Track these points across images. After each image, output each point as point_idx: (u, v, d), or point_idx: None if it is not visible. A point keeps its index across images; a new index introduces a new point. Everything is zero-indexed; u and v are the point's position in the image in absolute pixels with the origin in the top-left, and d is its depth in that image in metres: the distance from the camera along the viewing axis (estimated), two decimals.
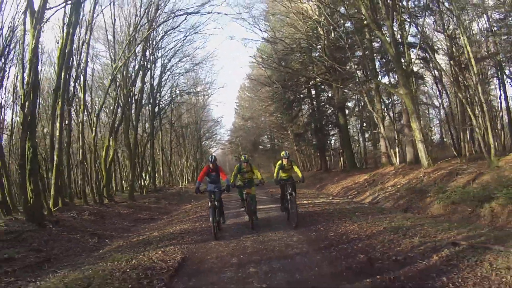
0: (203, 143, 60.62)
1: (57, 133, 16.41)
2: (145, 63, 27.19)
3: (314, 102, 33.74)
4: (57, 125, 16.57)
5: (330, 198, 18.93)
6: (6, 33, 17.25)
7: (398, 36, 20.32)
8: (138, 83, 27.13)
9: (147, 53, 26.49)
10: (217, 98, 77.59)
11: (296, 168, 12.07)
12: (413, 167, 18.91)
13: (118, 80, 23.28)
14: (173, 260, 7.89)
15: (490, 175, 11.61)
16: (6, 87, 20.47)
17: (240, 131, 62.69)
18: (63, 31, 16.75)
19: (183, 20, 27.10)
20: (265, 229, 10.86)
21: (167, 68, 33.35)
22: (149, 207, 21.74)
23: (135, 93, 26.70)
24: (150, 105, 30.86)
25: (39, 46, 13.47)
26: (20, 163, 12.61)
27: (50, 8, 14.23)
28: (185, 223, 13.91)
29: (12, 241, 10.02)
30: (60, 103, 16.73)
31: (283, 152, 12.22)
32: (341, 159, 33.80)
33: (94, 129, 21.99)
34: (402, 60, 19.77)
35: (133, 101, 27.21)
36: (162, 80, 33.31)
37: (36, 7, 12.63)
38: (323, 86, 31.92)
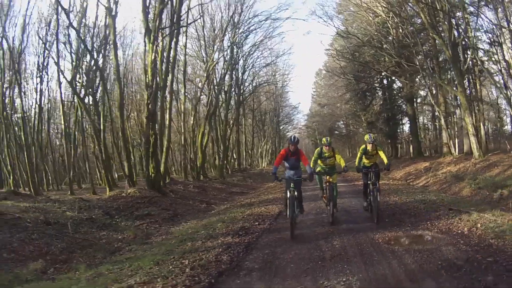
0: (281, 127, 63.36)
1: (167, 122, 20.68)
2: (232, 61, 31.32)
3: (386, 92, 35.33)
4: (166, 115, 20.87)
5: (391, 180, 21.89)
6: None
7: (456, 34, 21.59)
8: (227, 78, 31.53)
9: (234, 52, 30.72)
10: (295, 84, 78.31)
11: (381, 154, 10.75)
12: (468, 158, 20.48)
13: (210, 75, 27.41)
14: (274, 211, 12.57)
15: None
16: None
17: (316, 116, 64.45)
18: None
19: (264, 21, 29.92)
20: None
21: (249, 62, 37.14)
22: (238, 183, 26.39)
23: (225, 86, 30.92)
24: (235, 95, 34.95)
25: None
26: (145, 147, 17.00)
27: (162, 28, 18.45)
28: (275, 194, 17.91)
29: (146, 203, 14.31)
30: (168, 98, 21.12)
31: (367, 136, 10.76)
32: (410, 147, 36.02)
33: (193, 117, 26.57)
34: (462, 58, 21.00)
35: (222, 93, 31.49)
36: (245, 72, 37.00)
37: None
38: (393, 78, 33.52)
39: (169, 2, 18.01)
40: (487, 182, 13.72)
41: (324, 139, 11.04)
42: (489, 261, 5.64)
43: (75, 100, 25.15)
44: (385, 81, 35.39)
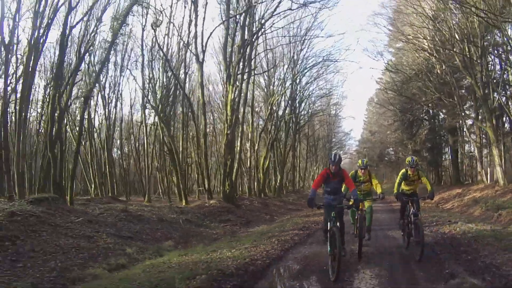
0: (333, 152, 65.95)
1: (237, 148, 25.18)
2: (292, 95, 36.01)
3: (430, 123, 38.28)
4: (238, 143, 25.39)
5: (423, 203, 25.29)
6: None
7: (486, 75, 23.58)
8: (287, 110, 36.36)
9: (294, 87, 35.77)
10: (348, 111, 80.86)
11: (425, 180, 9.65)
12: (495, 186, 23.05)
13: (273, 108, 32.34)
14: None
15: None
16: None
17: (367, 142, 66.45)
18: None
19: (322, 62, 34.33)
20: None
21: (306, 94, 41.09)
22: (293, 202, 31.44)
23: (286, 118, 35.69)
24: (292, 123, 38.92)
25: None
26: (224, 168, 21.68)
27: (239, 74, 22.93)
28: None
29: (225, 212, 18.88)
30: (240, 128, 25.76)
31: (408, 158, 9.62)
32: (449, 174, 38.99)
33: (257, 144, 31.26)
34: (491, 96, 23.51)
35: (283, 123, 36.28)
36: (302, 102, 40.81)
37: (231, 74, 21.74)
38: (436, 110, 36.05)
39: (244, 52, 22.50)
40: (493, 205, 17.15)
41: (360, 161, 10.51)
42: (447, 243, 9.81)
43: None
44: (430, 111, 37.64)
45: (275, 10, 22.37)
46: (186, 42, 23.56)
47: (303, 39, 32.46)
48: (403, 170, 9.70)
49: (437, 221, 14.36)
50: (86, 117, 25.21)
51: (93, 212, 13.48)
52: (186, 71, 26.34)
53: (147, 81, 26.39)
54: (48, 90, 24.93)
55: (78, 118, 26.01)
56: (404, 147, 44.78)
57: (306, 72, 36.62)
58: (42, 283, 7.31)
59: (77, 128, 26.19)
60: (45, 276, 7.59)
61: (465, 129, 29.53)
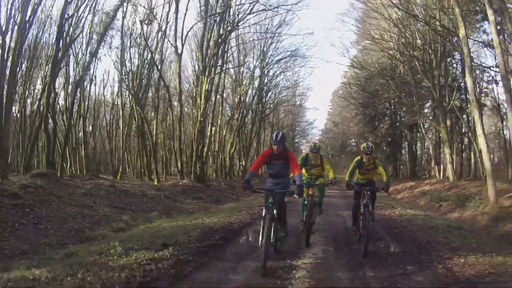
0: (296, 140, 68.50)
1: (208, 133, 27.38)
2: (260, 87, 38.45)
3: (390, 119, 41.02)
4: (208, 129, 27.57)
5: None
6: None
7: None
8: (255, 99, 38.81)
9: (262, 79, 38.28)
10: (313, 101, 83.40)
11: (381, 169, 9.04)
12: (445, 181, 25.68)
13: (242, 98, 34.80)
14: None
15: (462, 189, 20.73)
16: None
17: (330, 132, 70.27)
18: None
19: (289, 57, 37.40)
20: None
21: (273, 84, 43.64)
22: (257, 185, 33.67)
23: (253, 107, 38.05)
24: (259, 112, 41.02)
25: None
26: (196, 152, 23.83)
27: (214, 67, 25.25)
28: None
29: (197, 191, 21.12)
30: (211, 116, 27.91)
31: (364, 144, 9.01)
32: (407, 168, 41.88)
33: (225, 130, 33.56)
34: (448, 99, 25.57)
35: (250, 111, 38.64)
36: (269, 92, 43.18)
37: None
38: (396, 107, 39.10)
39: (219, 47, 24.80)
40: (437, 197, 19.83)
41: (312, 144, 10.13)
42: (383, 222, 12.01)
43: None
44: (392, 108, 40.30)
45: (250, 11, 25.03)
46: (164, 31, 25.48)
47: (273, 35, 35.14)
48: (358, 158, 9.08)
49: (382, 206, 16.22)
50: (77, 101, 26.84)
51: (85, 186, 15.31)
52: (163, 58, 28.34)
53: (124, 64, 27.75)
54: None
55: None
56: (365, 140, 45.93)
57: (274, 64, 39.23)
58: (63, 240, 9.50)
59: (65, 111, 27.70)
60: (64, 235, 9.86)
61: (422, 127, 31.97)
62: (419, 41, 26.10)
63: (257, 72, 37.74)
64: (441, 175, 29.04)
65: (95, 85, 35.20)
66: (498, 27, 15.84)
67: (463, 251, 7.65)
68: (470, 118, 25.62)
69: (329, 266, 6.98)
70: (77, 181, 17.01)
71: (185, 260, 6.60)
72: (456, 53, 25.50)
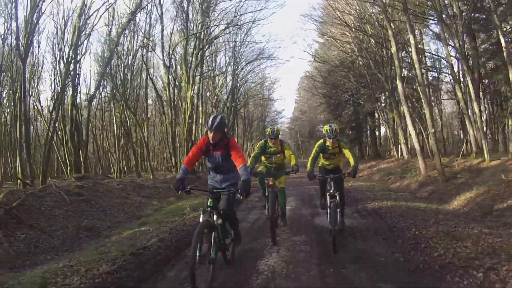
0: (266, 129, 73.49)
1: (194, 132, 32.44)
2: (235, 85, 43.76)
3: (353, 106, 44.92)
4: (193, 127, 32.72)
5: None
6: None
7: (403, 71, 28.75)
8: (229, 98, 44.21)
9: (236, 79, 43.73)
10: (280, 91, 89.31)
11: (347, 152, 8.39)
12: (401, 159, 30.80)
13: (218, 96, 40.05)
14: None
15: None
16: None
17: (298, 120, 75.81)
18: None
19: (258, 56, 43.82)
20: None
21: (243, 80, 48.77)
22: None
23: (227, 105, 43.24)
24: (232, 107, 45.79)
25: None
26: (186, 149, 28.90)
27: (195, 76, 30.56)
28: None
29: (192, 181, 26.05)
30: (195, 116, 33.07)
31: (326, 126, 8.36)
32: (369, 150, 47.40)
33: (206, 127, 38.71)
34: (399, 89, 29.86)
35: (225, 107, 43.88)
36: (240, 88, 48.43)
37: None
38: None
39: (201, 60, 29.99)
40: (387, 172, 24.99)
41: (269, 128, 9.13)
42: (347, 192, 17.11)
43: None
44: (354, 96, 43.92)
45: (225, 28, 30.58)
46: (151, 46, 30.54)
47: (241, 43, 40.61)
48: (320, 141, 8.62)
49: None
50: (91, 114, 31.04)
51: (111, 184, 19.54)
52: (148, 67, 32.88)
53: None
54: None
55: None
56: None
57: (244, 66, 44.75)
58: (126, 219, 14.08)
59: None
60: (124, 216, 14.33)
61: (380, 114, 37.97)
62: (372, 40, 30.09)
63: (229, 76, 43.30)
64: (399, 155, 33.62)
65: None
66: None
67: (379, 201, 13.43)
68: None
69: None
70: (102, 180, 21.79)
71: None
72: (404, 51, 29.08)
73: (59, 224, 11.53)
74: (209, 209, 5.88)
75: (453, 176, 16.72)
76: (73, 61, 22.91)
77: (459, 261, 6.05)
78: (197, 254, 5.19)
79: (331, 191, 8.00)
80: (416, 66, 18.50)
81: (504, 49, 17.08)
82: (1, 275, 7.10)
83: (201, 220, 5.78)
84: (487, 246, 6.71)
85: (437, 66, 31.26)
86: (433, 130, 17.89)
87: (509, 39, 18.00)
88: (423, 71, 28.42)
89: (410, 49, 21.53)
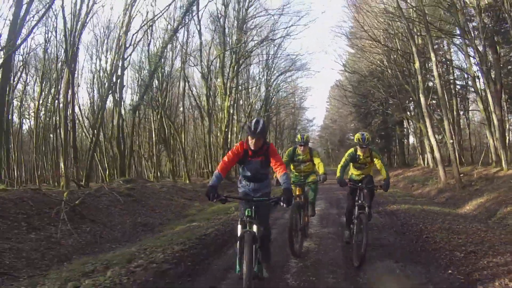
0: (296, 135, 74.52)
1: (229, 140, 34.58)
2: (268, 95, 45.89)
3: (382, 115, 45.35)
4: (229, 135, 34.88)
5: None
6: None
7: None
8: (262, 108, 46.21)
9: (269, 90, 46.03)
10: (311, 100, 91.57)
11: (379, 163, 8.19)
12: (426, 167, 32.43)
13: (252, 106, 42.45)
14: None
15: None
16: None
17: (329, 128, 76.93)
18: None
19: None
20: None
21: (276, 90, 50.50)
22: None
23: (260, 111, 45.41)
24: (265, 116, 47.01)
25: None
26: (222, 155, 31.02)
27: (232, 88, 32.87)
28: None
29: (228, 186, 27.98)
30: (230, 126, 35.24)
31: (358, 135, 8.06)
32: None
33: (240, 135, 40.56)
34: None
35: (260, 115, 45.47)
36: (273, 98, 50.06)
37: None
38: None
39: (235, 71, 32.24)
40: (411, 180, 26.82)
41: (299, 135, 9.02)
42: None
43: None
44: (383, 105, 43.79)
45: (260, 44, 33.01)
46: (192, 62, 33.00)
47: (274, 55, 43.11)
48: (351, 150, 8.34)
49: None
50: (135, 124, 33.23)
51: (154, 187, 21.26)
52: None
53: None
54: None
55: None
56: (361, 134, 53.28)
57: (278, 76, 46.84)
58: (174, 217, 15.78)
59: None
60: (172, 215, 16.13)
61: (408, 124, 39.93)
62: (399, 54, 31.40)
63: (263, 84, 45.29)
64: (425, 163, 34.62)
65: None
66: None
67: (399, 204, 15.46)
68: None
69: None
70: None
71: None
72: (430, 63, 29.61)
73: (117, 220, 13.48)
74: (248, 219, 5.34)
75: (470, 184, 18.47)
76: (118, 74, 25.30)
77: (449, 246, 8.00)
78: (251, 269, 4.93)
79: (360, 201, 7.75)
80: (437, 81, 20.34)
81: None
82: (78, 259, 8.96)
83: (239, 232, 5.33)
84: (477, 238, 8.65)
85: (465, 76, 31.76)
86: (451, 141, 19.63)
87: None
88: (451, 81, 30.05)
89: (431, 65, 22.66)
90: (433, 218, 11.73)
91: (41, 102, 33.74)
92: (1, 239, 8.90)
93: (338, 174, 8.09)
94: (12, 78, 27.89)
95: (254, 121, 5.63)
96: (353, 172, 8.64)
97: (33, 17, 22.30)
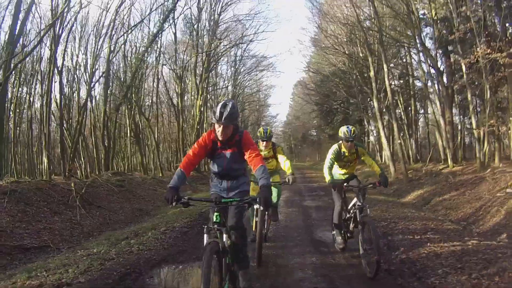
0: (258, 130, 76.42)
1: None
2: (235, 93, 48.74)
3: (343, 114, 46.78)
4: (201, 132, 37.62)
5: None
6: None
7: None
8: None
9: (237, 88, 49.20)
10: (275, 97, 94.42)
11: (368, 159, 7.51)
12: (382, 164, 33.00)
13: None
14: None
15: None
16: None
17: (292, 124, 79.35)
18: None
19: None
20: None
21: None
22: None
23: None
24: None
25: None
26: None
27: (204, 88, 35.71)
28: None
29: (200, 179, 30.52)
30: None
31: (344, 128, 7.30)
32: None
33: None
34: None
35: None
36: (239, 97, 51.88)
37: None
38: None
39: (209, 73, 35.08)
40: (367, 175, 28.79)
41: (261, 129, 8.31)
42: (319, 188, 19.65)
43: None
44: (344, 104, 45.87)
45: (231, 47, 36.48)
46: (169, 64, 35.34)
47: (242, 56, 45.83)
48: (335, 147, 7.48)
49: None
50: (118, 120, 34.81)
51: (137, 180, 22.84)
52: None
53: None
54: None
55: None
56: (322, 131, 55.89)
57: (245, 75, 49.89)
58: (162, 204, 16.84)
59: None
60: (159, 202, 17.83)
61: (367, 123, 42.21)
62: (361, 59, 33.17)
63: (230, 85, 48.51)
64: (382, 160, 35.92)
65: None
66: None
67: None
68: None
69: None
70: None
71: None
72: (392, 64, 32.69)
73: (118, 206, 15.95)
74: (215, 226, 4.45)
75: (416, 178, 21.69)
76: (104, 75, 27.99)
77: (379, 218, 11.45)
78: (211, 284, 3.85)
79: (358, 203, 6.89)
80: (388, 89, 23.68)
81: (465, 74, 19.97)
82: (99, 235, 11.33)
83: (205, 241, 4.32)
84: (402, 215, 12.39)
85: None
86: (399, 141, 22.97)
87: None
88: (410, 81, 33.01)
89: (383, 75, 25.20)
90: (376, 204, 15.30)
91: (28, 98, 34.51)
92: (34, 221, 11.05)
93: (328, 177, 7.22)
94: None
95: (220, 104, 4.65)
96: (336, 171, 7.73)
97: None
